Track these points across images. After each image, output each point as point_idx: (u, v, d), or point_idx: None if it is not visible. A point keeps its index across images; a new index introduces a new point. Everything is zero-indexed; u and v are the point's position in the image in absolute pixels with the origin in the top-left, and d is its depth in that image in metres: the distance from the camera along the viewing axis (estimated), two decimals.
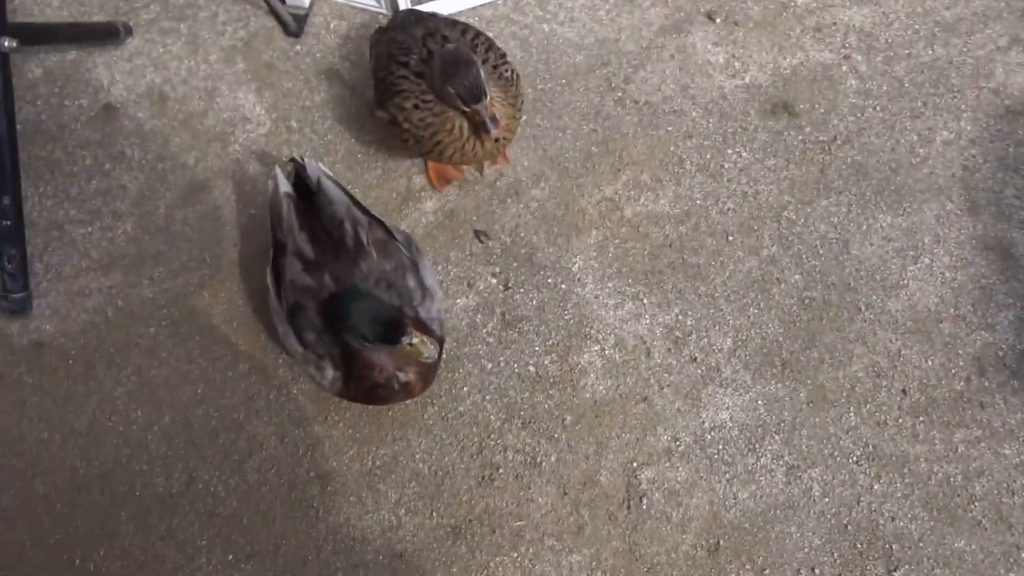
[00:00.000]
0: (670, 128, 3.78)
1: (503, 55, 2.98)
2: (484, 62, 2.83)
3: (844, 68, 3.87)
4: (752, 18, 3.99)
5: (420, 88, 2.96)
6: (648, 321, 3.44)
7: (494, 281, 3.52)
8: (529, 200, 3.67)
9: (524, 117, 3.66)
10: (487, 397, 3.32)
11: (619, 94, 3.85)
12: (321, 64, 3.93)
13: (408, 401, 3.23)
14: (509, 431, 3.26)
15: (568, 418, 3.28)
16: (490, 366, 3.37)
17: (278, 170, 3.15)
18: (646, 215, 3.63)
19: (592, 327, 3.43)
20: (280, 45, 3.99)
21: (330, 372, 2.87)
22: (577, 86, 3.87)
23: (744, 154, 3.72)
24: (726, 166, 3.70)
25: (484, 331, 3.44)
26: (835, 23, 3.97)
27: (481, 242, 3.59)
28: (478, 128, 2.73)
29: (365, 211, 3.08)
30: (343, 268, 2.88)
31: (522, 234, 3.60)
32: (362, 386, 2.84)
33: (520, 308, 3.47)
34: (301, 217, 3.01)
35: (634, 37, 3.96)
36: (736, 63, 3.90)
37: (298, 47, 3.98)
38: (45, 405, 3.32)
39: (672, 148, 3.74)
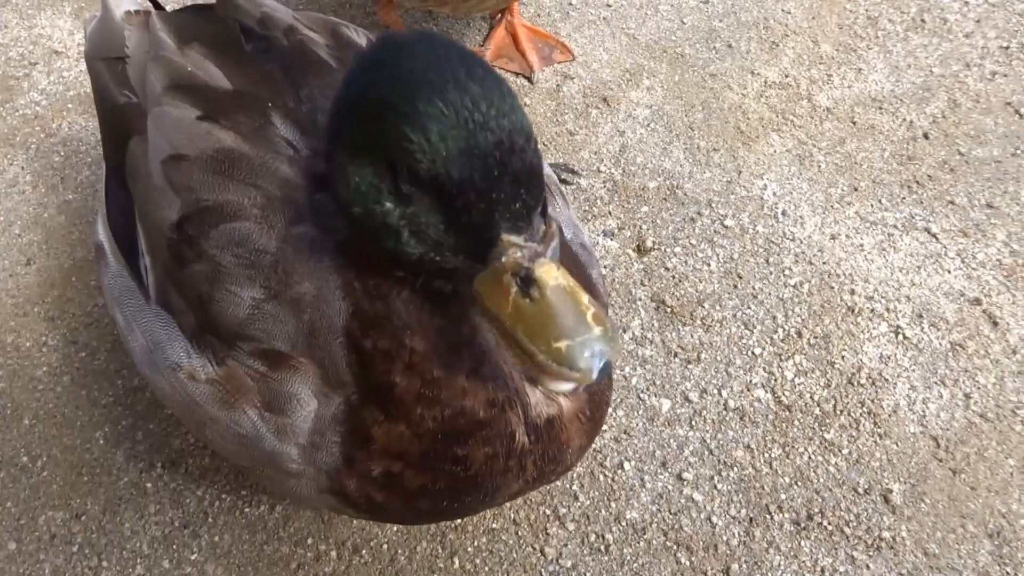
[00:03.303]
0: None
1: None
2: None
3: None
4: None
5: None
6: (958, 263, 1.62)
7: (614, 244, 1.65)
8: (632, 107, 1.91)
9: None
10: (689, 475, 1.34)
11: None
12: None
13: (524, 497, 1.24)
14: (772, 546, 1.26)
15: (895, 488, 1.33)
16: (667, 406, 1.42)
17: None
18: (856, 100, 1.92)
19: (854, 292, 1.57)
20: None
21: (307, 404, 0.89)
22: None
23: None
24: (951, 18, 2.08)
25: (629, 338, 1.51)
26: None
27: (564, 182, 1.76)
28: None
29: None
30: (317, 100, 0.99)
31: (638, 159, 1.80)
32: (421, 430, 0.86)
33: (688, 282, 1.59)
34: (178, 31, 1.12)
35: None
36: None
37: None
38: None
39: (847, 7, 2.13)
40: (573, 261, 1.05)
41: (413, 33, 0.78)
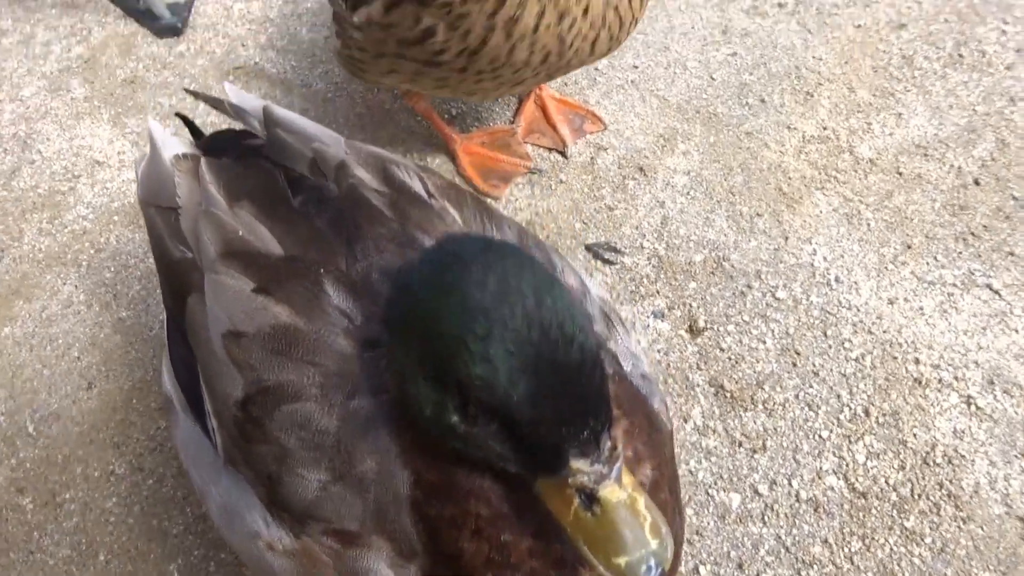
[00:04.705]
0: (859, 24, 2.14)
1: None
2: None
3: None
4: None
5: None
6: None
7: (665, 326, 1.63)
8: (669, 174, 1.89)
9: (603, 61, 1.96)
10: None
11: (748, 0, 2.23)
12: (225, 61, 2.21)
13: None
14: None
15: None
16: (737, 501, 1.39)
17: (155, 126, 1.31)
18: (899, 148, 1.87)
19: (919, 361, 1.53)
20: (149, 51, 2.27)
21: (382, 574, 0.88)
22: (678, 1, 2.25)
23: (1012, 27, 2.07)
24: (990, 50, 2.03)
25: (691, 428, 1.49)
26: None
27: (607, 262, 1.74)
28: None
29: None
30: (372, 254, 0.99)
31: (681, 231, 1.78)
32: None
33: (744, 363, 1.56)
34: (227, 185, 1.13)
35: None
36: None
37: (181, 47, 2.26)
38: None
39: (880, 48, 2.08)
40: (633, 395, 1.03)
41: (481, 246, 0.79)
